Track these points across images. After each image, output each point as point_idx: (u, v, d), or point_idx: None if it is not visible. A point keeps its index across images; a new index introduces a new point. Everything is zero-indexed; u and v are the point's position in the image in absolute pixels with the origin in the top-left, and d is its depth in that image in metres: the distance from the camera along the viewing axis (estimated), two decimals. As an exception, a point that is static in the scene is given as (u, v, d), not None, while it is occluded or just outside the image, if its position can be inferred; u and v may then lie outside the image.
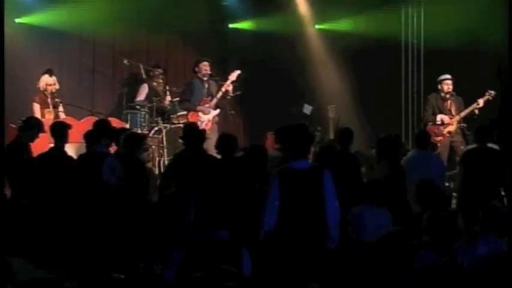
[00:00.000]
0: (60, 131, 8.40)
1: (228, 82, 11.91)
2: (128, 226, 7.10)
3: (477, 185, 8.55)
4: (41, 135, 8.71)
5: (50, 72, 11.49)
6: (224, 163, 7.94)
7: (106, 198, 7.43)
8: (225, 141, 8.19)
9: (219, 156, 8.17)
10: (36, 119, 9.48)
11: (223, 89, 11.81)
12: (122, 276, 5.09)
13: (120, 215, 7.20)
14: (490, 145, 9.04)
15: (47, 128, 8.75)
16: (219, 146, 8.14)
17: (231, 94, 12.00)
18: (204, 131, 8.50)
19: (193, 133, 8.29)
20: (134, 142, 8.17)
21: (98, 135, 8.20)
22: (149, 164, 10.22)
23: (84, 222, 7.57)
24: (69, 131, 8.53)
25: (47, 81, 11.33)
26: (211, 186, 7.46)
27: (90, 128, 8.63)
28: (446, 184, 9.63)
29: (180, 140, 11.89)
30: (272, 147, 10.01)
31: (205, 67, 11.90)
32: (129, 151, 8.03)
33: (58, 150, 8.32)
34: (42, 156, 8.37)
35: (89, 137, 8.32)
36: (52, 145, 8.50)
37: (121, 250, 6.79)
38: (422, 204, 6.95)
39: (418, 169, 8.56)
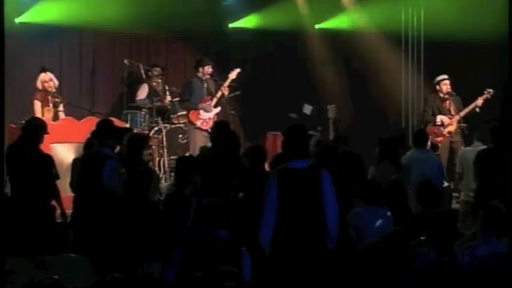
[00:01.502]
0: (36, 130, 8.34)
1: (228, 81, 11.91)
2: (128, 226, 7.10)
3: (492, 185, 8.47)
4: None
5: (43, 70, 11.47)
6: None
7: (106, 200, 7.42)
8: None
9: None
10: (39, 119, 9.46)
11: (220, 92, 11.79)
12: (122, 276, 5.09)
13: (121, 215, 7.19)
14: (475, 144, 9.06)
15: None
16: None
17: (226, 97, 11.98)
18: (238, 136, 8.40)
19: (223, 133, 8.22)
20: (138, 143, 8.16)
21: (102, 135, 8.10)
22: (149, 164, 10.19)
23: (85, 222, 7.58)
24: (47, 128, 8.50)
25: (43, 79, 11.32)
26: (219, 187, 7.46)
27: (93, 128, 8.59)
28: (446, 184, 9.63)
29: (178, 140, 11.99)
30: (272, 147, 10.02)
31: (208, 70, 11.88)
32: (132, 152, 8.03)
33: (32, 148, 8.24)
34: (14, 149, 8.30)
35: (94, 137, 8.24)
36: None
37: (121, 250, 6.79)
38: (422, 205, 6.95)
39: (417, 168, 8.56)
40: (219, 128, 8.49)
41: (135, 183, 7.06)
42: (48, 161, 8.25)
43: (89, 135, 8.50)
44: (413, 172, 8.54)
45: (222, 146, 8.02)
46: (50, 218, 8.02)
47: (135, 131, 11.37)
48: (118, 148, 8.24)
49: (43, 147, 8.76)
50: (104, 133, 8.03)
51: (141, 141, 8.35)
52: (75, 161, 8.90)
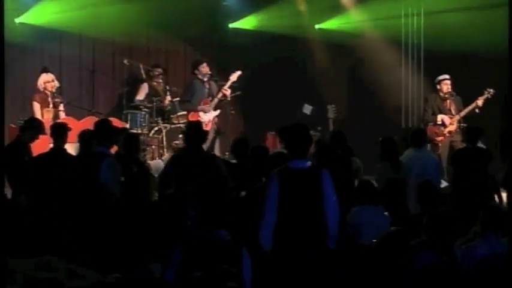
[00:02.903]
0: (60, 131, 8.40)
1: (229, 83, 11.92)
2: (127, 226, 7.10)
3: (468, 184, 8.53)
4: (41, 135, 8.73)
5: (45, 70, 11.51)
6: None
7: (104, 198, 7.42)
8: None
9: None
10: (38, 119, 9.50)
11: (221, 94, 11.80)
12: (122, 276, 5.09)
13: (120, 215, 7.19)
14: (480, 145, 9.11)
15: (47, 128, 8.76)
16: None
17: (229, 98, 12.00)
18: (206, 131, 8.47)
19: (195, 132, 8.25)
20: (132, 142, 8.18)
21: (99, 135, 8.13)
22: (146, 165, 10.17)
23: (83, 222, 7.57)
24: (69, 131, 8.54)
25: (45, 79, 11.35)
26: (210, 186, 7.45)
27: (90, 127, 8.61)
28: (446, 183, 9.63)
29: (178, 142, 11.97)
30: (272, 147, 10.02)
31: (204, 69, 11.90)
32: (127, 151, 8.04)
33: (59, 150, 8.32)
34: (43, 156, 8.36)
35: (89, 136, 8.28)
36: (52, 145, 8.49)
37: (121, 250, 6.79)
38: (422, 205, 6.93)
39: (415, 168, 8.55)
40: (193, 128, 8.51)
41: (132, 183, 7.05)
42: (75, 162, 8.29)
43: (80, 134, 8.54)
44: (411, 172, 8.53)
45: (194, 147, 8.04)
46: (50, 218, 8.01)
47: (134, 131, 11.39)
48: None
49: (43, 147, 8.78)
50: (102, 133, 8.05)
51: (136, 140, 8.37)
52: None
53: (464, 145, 10.94)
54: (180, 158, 8.14)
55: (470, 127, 9.48)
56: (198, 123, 8.73)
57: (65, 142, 8.42)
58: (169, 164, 8.27)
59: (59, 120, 10.61)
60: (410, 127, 13.17)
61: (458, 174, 8.81)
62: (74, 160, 8.31)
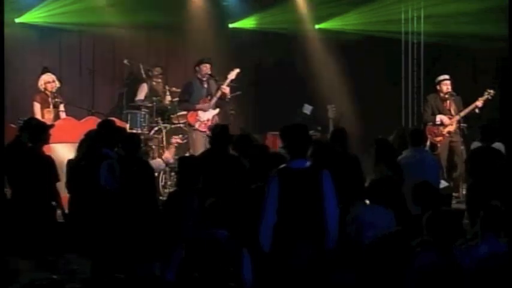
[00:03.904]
0: (38, 131, 8.36)
1: (227, 81, 11.88)
2: (127, 226, 7.11)
3: (483, 184, 8.48)
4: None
5: (46, 71, 11.51)
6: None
7: (105, 199, 7.42)
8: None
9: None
10: (37, 119, 9.49)
11: (220, 92, 11.78)
12: (123, 276, 5.10)
13: (120, 215, 7.20)
14: (495, 145, 9.05)
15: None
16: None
17: (229, 97, 11.99)
18: (231, 134, 8.48)
19: (218, 133, 8.27)
20: (132, 142, 8.19)
21: (103, 136, 8.11)
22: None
23: (85, 223, 7.58)
24: (51, 128, 8.53)
25: (45, 80, 11.35)
26: (230, 181, 7.48)
27: (91, 127, 8.59)
28: (446, 183, 9.62)
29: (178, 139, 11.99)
30: (272, 147, 10.02)
31: (205, 68, 11.87)
32: (128, 151, 8.05)
33: (33, 150, 8.26)
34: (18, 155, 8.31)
35: (95, 138, 8.24)
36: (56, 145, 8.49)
37: (122, 250, 6.79)
38: (419, 206, 6.90)
39: (413, 168, 8.53)
40: (219, 130, 8.53)
41: (132, 182, 7.05)
42: (49, 163, 8.26)
43: (83, 137, 8.51)
44: (409, 172, 8.51)
45: (222, 148, 8.06)
46: (50, 218, 8.01)
47: (134, 131, 11.39)
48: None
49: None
50: (105, 134, 8.05)
51: (136, 140, 8.39)
52: (69, 161, 8.88)
53: (466, 145, 11.01)
54: (189, 158, 8.16)
55: (485, 126, 9.29)
56: (225, 126, 8.73)
57: (45, 141, 8.35)
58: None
59: (35, 116, 10.56)
60: (410, 127, 13.17)
61: (473, 174, 8.71)
62: (50, 160, 8.25)
